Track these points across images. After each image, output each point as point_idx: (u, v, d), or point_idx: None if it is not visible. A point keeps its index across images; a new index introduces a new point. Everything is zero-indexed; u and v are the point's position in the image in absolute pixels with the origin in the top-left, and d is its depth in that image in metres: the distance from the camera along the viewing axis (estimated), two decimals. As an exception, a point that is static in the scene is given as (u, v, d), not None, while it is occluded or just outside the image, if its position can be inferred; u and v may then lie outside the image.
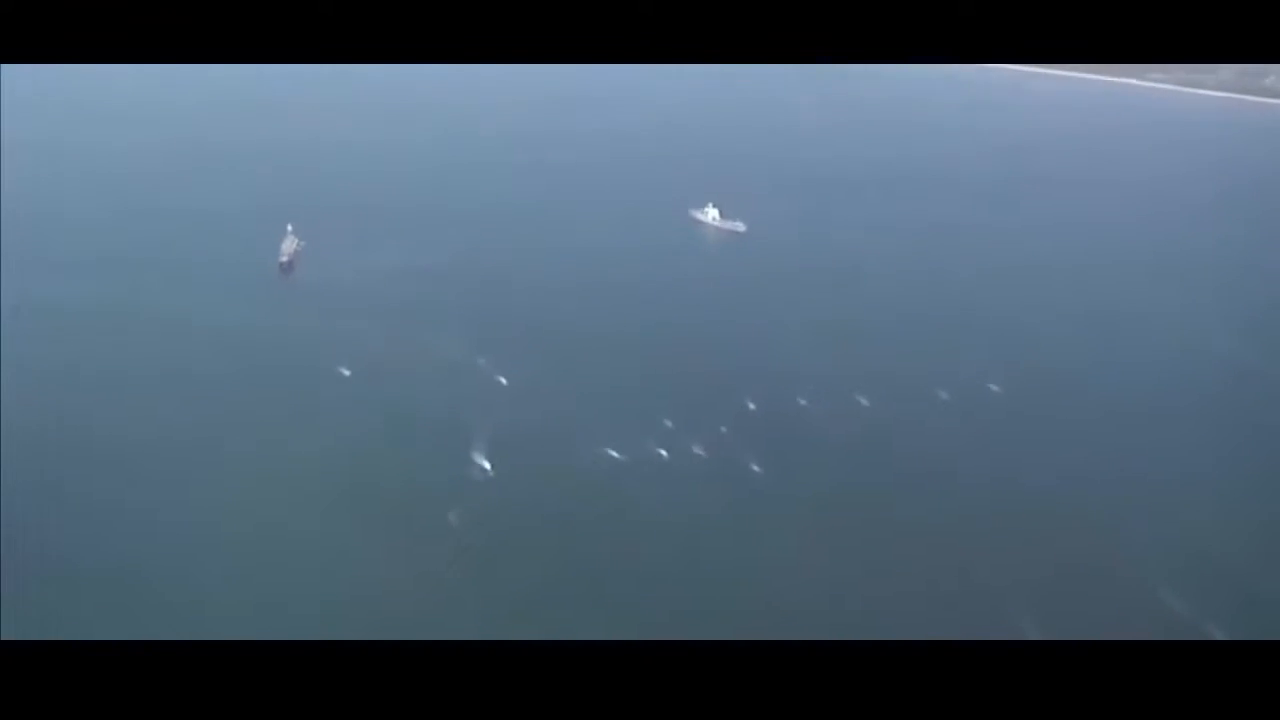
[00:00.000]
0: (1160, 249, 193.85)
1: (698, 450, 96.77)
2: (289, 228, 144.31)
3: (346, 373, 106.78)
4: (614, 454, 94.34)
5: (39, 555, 73.06)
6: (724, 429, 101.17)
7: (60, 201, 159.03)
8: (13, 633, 59.15)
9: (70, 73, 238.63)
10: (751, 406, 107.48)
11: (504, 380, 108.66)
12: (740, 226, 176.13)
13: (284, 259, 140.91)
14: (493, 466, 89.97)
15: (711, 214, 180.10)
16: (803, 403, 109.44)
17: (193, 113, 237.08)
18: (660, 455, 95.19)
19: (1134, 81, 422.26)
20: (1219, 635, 73.00)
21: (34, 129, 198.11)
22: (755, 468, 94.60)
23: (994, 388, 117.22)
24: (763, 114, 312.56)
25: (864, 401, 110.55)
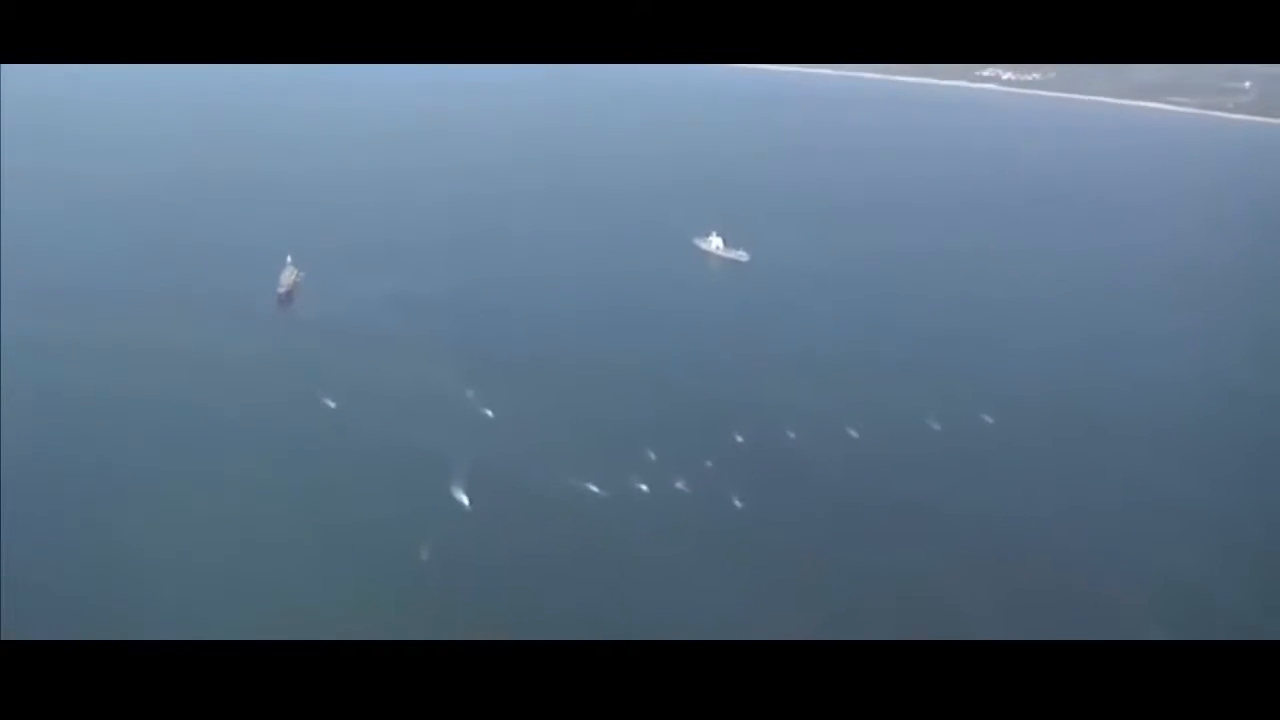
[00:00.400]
0: (1173, 274, 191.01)
1: (679, 485, 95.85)
2: (288, 259, 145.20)
3: (331, 405, 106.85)
4: (593, 489, 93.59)
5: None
6: (709, 463, 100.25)
7: (60, 232, 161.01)
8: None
9: (70, 101, 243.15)
10: (739, 439, 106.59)
11: (490, 413, 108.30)
12: (743, 256, 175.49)
13: (282, 290, 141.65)
14: (469, 502, 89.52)
15: (715, 243, 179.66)
16: (791, 435, 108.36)
17: (195, 143, 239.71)
18: (640, 490, 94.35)
19: (1155, 105, 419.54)
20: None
21: (33, 160, 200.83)
22: (736, 503, 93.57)
23: (987, 418, 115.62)
24: (776, 140, 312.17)
25: (853, 434, 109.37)
